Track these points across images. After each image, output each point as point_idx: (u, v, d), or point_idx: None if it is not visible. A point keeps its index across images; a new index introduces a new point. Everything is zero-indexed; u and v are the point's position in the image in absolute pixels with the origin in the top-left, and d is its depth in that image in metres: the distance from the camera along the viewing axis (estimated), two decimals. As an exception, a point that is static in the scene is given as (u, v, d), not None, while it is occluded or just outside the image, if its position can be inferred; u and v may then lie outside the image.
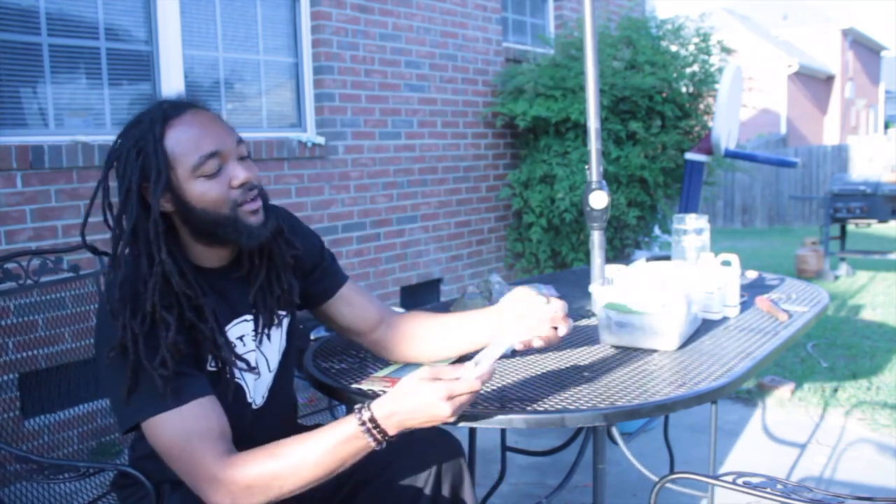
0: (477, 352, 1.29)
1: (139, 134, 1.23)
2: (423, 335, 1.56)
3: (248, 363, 1.34)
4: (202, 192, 1.23)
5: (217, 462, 1.16)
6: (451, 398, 1.16)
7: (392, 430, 1.17)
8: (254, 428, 1.37)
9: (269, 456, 1.17)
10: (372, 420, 1.16)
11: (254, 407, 1.39)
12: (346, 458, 1.18)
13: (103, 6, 3.23)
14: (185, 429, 1.17)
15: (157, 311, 1.19)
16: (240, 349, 1.34)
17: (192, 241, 1.31)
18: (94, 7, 3.20)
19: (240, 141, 1.29)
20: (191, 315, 1.24)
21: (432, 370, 1.19)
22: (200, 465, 1.16)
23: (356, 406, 1.19)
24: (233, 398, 1.32)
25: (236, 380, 1.34)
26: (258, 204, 1.29)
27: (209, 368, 1.29)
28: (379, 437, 1.16)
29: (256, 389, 1.40)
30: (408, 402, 1.16)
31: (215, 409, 1.21)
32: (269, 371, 1.43)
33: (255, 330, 1.38)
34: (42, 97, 3.09)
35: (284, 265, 1.40)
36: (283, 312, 1.44)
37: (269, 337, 1.41)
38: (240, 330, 1.36)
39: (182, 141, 1.23)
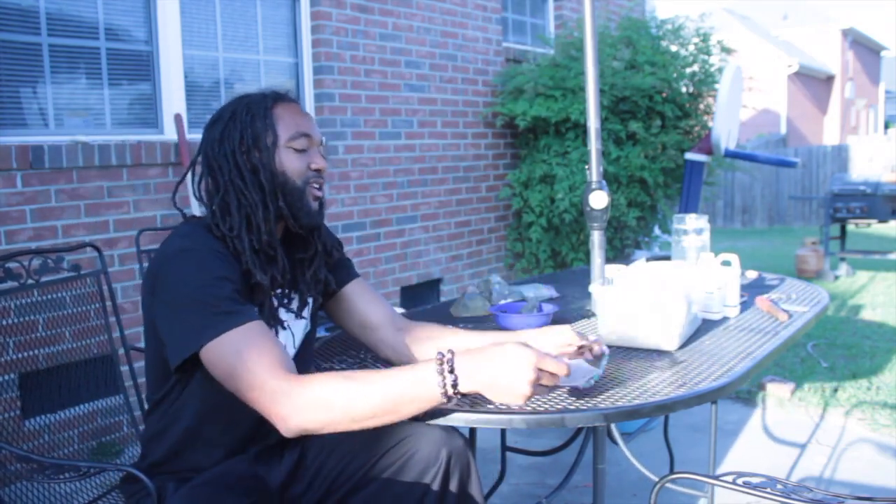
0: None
1: (250, 101, 1.46)
2: (433, 341, 1.58)
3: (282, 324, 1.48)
4: (288, 160, 1.44)
5: (283, 375, 1.20)
6: (537, 368, 1.17)
7: (465, 382, 1.16)
8: None
9: (341, 376, 1.20)
10: (450, 362, 1.17)
11: None
12: (413, 399, 1.17)
13: (103, 6, 3.23)
14: (248, 343, 1.22)
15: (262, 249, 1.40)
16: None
17: None
18: (94, 7, 3.20)
19: (322, 143, 1.51)
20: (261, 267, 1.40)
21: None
22: (267, 374, 1.19)
23: (440, 351, 1.21)
24: None
25: None
26: (322, 193, 1.49)
27: None
28: (450, 382, 1.16)
29: None
30: (494, 356, 1.17)
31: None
32: (294, 347, 1.53)
33: (287, 305, 1.50)
34: (42, 97, 3.09)
35: (327, 258, 1.60)
36: (312, 297, 1.56)
37: (295, 316, 1.52)
38: (273, 301, 1.46)
39: (285, 116, 1.46)
